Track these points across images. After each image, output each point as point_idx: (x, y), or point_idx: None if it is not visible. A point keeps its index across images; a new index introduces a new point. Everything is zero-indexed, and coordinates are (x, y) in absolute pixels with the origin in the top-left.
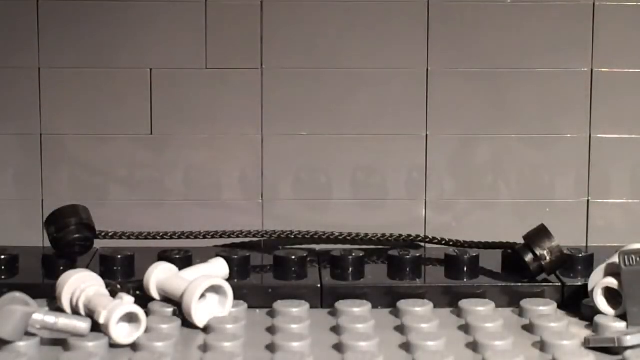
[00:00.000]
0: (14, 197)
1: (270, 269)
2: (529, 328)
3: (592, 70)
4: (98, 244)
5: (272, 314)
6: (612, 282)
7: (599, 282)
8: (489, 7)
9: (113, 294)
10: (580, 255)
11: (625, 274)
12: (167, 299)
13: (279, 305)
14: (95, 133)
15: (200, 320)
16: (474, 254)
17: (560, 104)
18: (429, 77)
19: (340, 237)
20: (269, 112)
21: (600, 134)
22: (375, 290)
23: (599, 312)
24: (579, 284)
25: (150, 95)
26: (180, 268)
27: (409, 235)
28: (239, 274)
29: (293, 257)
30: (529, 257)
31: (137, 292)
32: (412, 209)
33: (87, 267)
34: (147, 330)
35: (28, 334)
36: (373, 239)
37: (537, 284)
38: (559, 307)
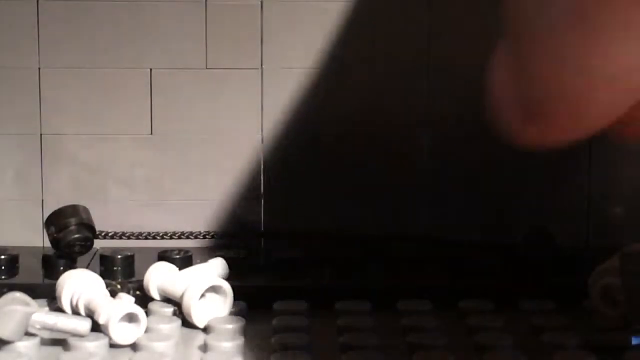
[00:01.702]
0: (14, 197)
1: (270, 269)
2: (528, 328)
3: None
4: (98, 244)
5: (272, 314)
6: (612, 282)
7: (599, 282)
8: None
9: (113, 294)
10: (580, 255)
11: (625, 274)
12: (167, 299)
13: (279, 305)
14: (95, 133)
15: (200, 320)
16: (470, 254)
17: None
18: (429, 77)
19: (340, 237)
20: (269, 112)
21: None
22: (375, 291)
23: (599, 312)
24: (579, 284)
25: (150, 95)
26: (180, 268)
27: (408, 235)
28: (239, 274)
29: (292, 257)
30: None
31: (137, 292)
32: (412, 209)
33: (87, 267)
34: (147, 331)
35: (28, 334)
36: (372, 239)
37: (537, 284)
38: (559, 307)
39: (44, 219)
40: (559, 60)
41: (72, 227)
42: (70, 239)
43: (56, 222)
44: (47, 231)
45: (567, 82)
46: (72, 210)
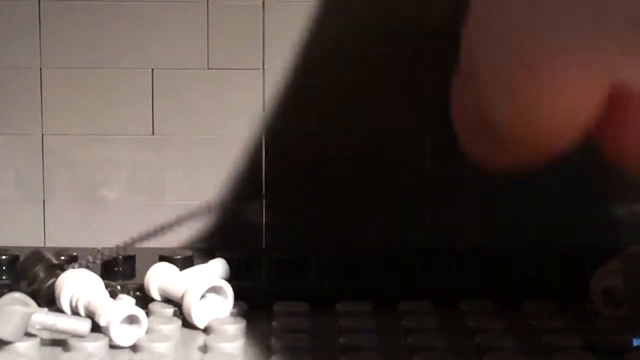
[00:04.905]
0: (14, 197)
1: (270, 269)
2: (529, 328)
3: None
4: (98, 244)
5: (272, 314)
6: (614, 283)
7: (600, 283)
8: None
9: (113, 294)
10: (579, 256)
11: (626, 275)
12: (167, 299)
13: (279, 306)
14: (97, 133)
15: (200, 321)
16: (472, 254)
17: None
18: (424, 76)
19: (341, 238)
20: (271, 113)
21: None
22: (375, 290)
23: (599, 312)
24: (580, 284)
25: (152, 96)
26: (181, 269)
27: (410, 236)
28: (239, 274)
29: (293, 257)
30: None
31: (138, 293)
32: (412, 209)
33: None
34: (147, 331)
35: (28, 334)
36: (373, 239)
37: (537, 284)
38: (559, 307)
39: (43, 222)
40: (508, 96)
41: (42, 276)
42: (46, 285)
43: (24, 276)
44: (20, 288)
45: (514, 119)
46: (34, 258)
